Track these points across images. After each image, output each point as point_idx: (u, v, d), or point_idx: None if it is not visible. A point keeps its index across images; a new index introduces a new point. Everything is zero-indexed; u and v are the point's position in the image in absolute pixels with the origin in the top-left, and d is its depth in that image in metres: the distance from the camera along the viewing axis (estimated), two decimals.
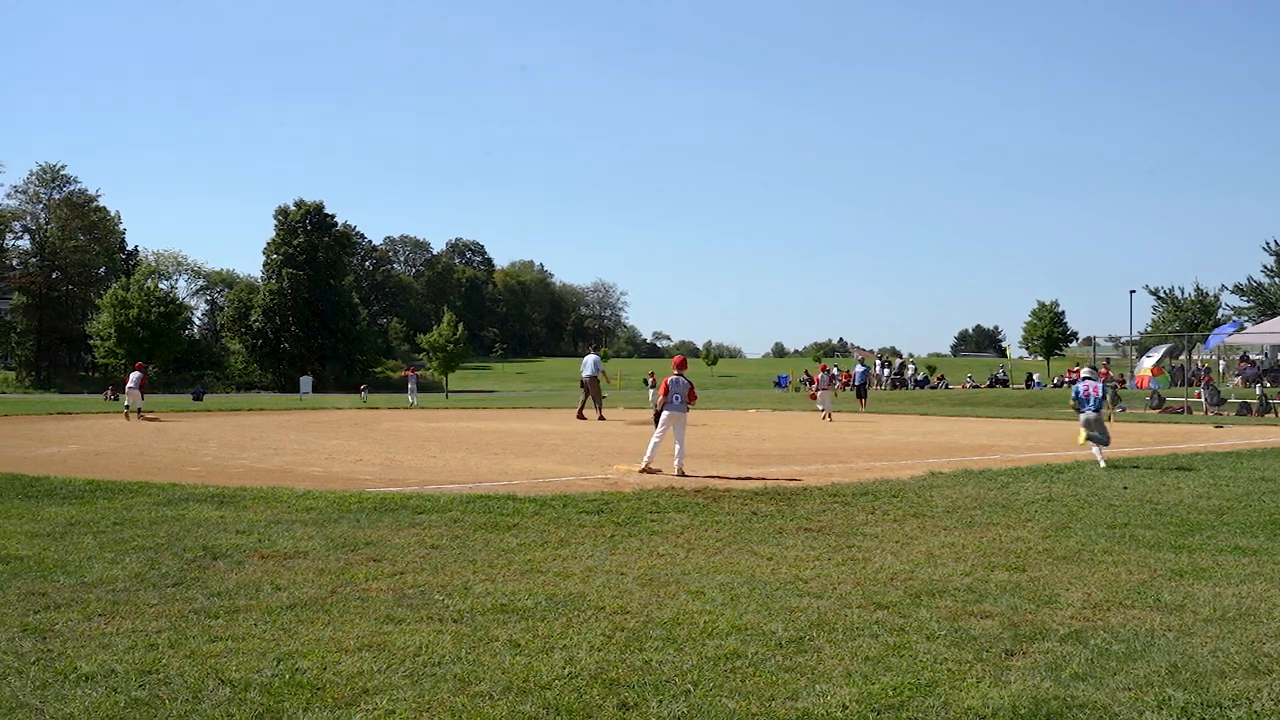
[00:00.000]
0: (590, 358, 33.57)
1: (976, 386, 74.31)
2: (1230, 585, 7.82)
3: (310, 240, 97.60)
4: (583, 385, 33.38)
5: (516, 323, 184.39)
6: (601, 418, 32.01)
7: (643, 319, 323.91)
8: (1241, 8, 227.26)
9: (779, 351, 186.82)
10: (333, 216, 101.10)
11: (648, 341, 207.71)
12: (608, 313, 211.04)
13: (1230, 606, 7.12)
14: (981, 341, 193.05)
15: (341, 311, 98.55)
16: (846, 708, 5.01)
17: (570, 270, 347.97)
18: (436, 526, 10.17)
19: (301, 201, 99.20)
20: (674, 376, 15.26)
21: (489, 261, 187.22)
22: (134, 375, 33.75)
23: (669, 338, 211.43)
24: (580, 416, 32.29)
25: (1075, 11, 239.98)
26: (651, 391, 45.95)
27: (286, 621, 6.55)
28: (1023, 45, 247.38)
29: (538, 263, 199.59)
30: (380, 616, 6.68)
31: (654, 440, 15.20)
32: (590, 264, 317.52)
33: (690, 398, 15.26)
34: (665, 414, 15.03)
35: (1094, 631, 6.42)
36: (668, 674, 5.52)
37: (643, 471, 14.93)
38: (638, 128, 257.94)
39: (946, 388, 72.17)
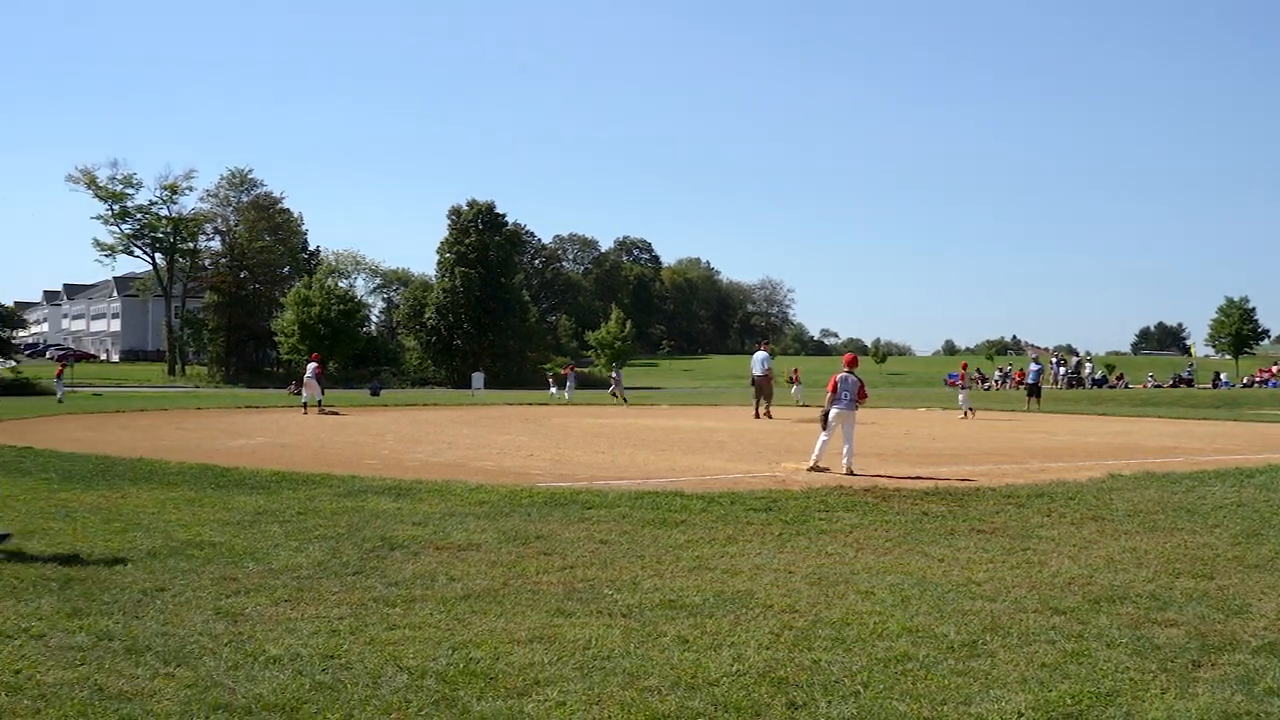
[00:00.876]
0: (759, 355, 31.98)
1: (1159, 386, 71.55)
2: None
3: (482, 239, 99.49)
4: (754, 384, 31.78)
5: (683, 320, 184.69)
6: (769, 416, 30.78)
7: (810, 316, 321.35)
8: None
9: (949, 349, 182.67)
10: (504, 216, 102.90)
11: (815, 339, 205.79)
12: (774, 310, 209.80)
13: None
14: (1164, 339, 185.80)
15: (512, 309, 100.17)
16: (1022, 715, 4.89)
17: (737, 267, 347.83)
18: (605, 522, 10.28)
19: (474, 201, 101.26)
20: (843, 374, 15.06)
21: (656, 259, 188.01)
22: (310, 367, 34.44)
23: (836, 335, 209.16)
24: (758, 416, 30.67)
25: None
26: (796, 388, 46.11)
27: (460, 611, 6.71)
28: (1210, 30, 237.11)
29: (704, 260, 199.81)
30: (551, 609, 6.79)
31: (822, 438, 15.05)
32: (757, 261, 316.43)
33: (860, 396, 15.05)
34: (834, 411, 14.85)
35: None
36: (837, 674, 5.47)
37: (810, 470, 14.80)
38: (804, 123, 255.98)
39: (1126, 387, 69.64)
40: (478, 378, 67.19)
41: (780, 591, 7.41)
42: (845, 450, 14.72)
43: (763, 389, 31.34)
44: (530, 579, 7.74)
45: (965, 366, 39.14)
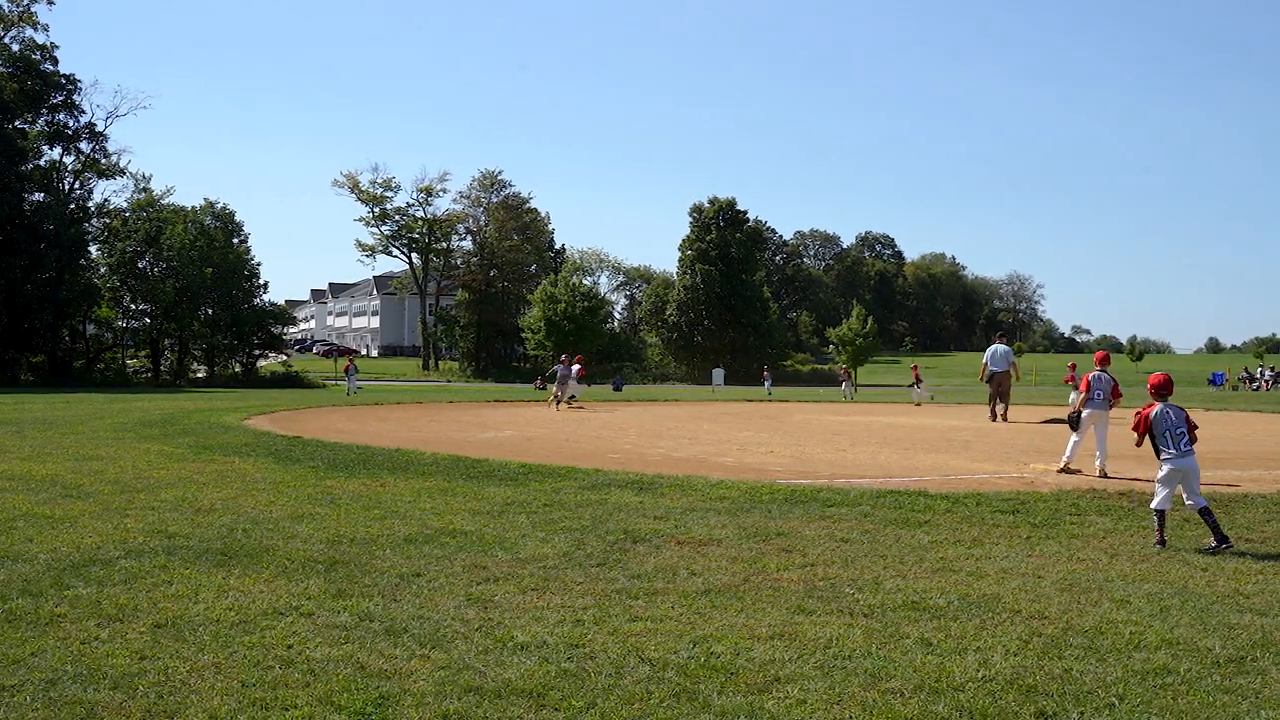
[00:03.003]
0: (999, 348, 28.13)
1: None
2: None
3: (723, 236, 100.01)
4: (990, 381, 28.17)
5: (926, 316, 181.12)
6: (1005, 419, 27.73)
7: (1060, 312, 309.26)
8: None
9: (1213, 347, 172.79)
10: (744, 212, 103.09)
11: (1065, 336, 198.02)
12: (1022, 305, 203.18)
13: None
14: None
15: (752, 306, 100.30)
16: None
17: (983, 262, 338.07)
18: (846, 520, 10.17)
19: (715, 199, 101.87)
20: (1096, 372, 14.45)
21: (899, 254, 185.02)
22: (575, 369, 34.98)
23: (1089, 332, 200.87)
24: (994, 418, 27.78)
25: None
26: (917, 389, 41.91)
27: (701, 606, 6.77)
28: None
29: (949, 255, 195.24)
30: (791, 606, 6.77)
31: (1074, 439, 14.46)
32: (1004, 256, 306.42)
33: (1115, 395, 14.41)
34: (1087, 412, 14.26)
35: None
36: (1089, 685, 5.26)
37: (1061, 471, 14.25)
38: (1052, 114, 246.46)
39: None
40: (718, 374, 67.55)
41: (1029, 597, 7.17)
42: (1099, 451, 14.11)
43: (1002, 387, 28.18)
44: (771, 576, 7.74)
45: (1074, 367, 35.18)
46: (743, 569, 7.96)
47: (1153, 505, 9.37)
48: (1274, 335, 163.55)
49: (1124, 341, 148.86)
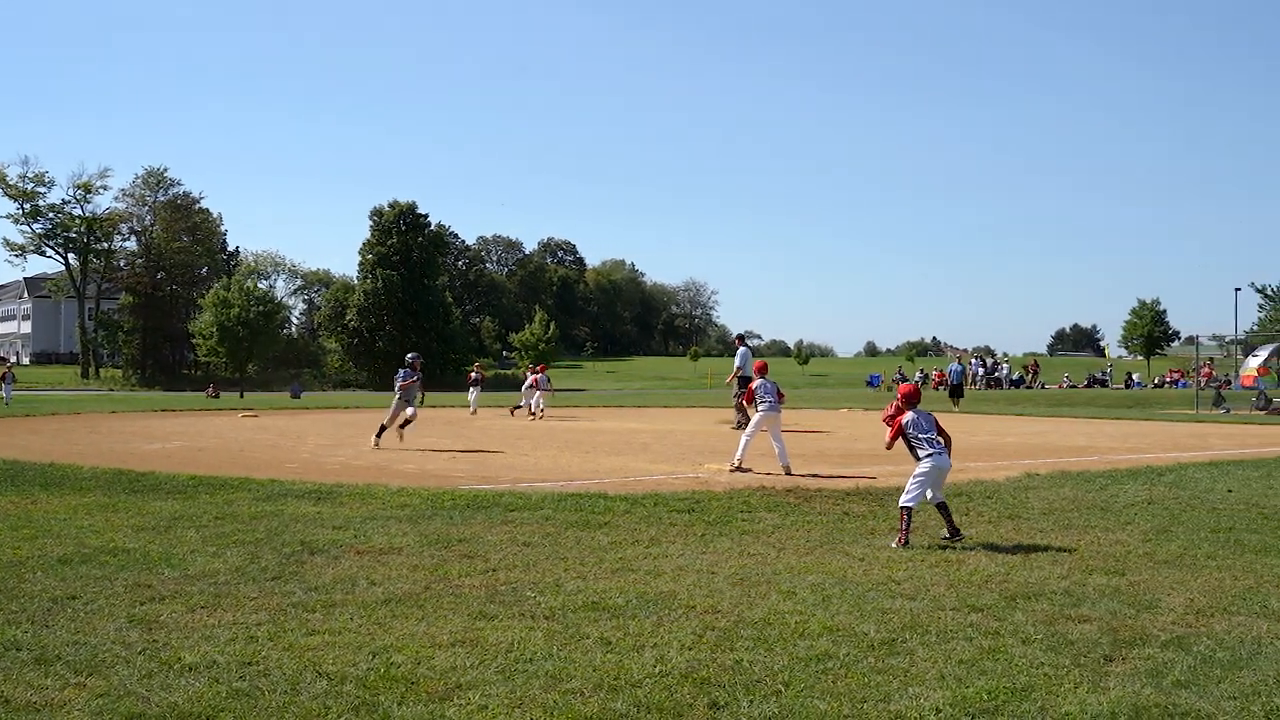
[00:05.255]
0: (743, 350, 27.35)
1: (1074, 386, 73.00)
2: None
3: (404, 240, 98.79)
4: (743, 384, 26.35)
5: (607, 321, 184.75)
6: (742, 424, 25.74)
7: (734, 318, 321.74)
8: None
9: (871, 350, 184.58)
10: (426, 216, 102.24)
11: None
12: (698, 312, 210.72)
13: None
14: (1079, 341, 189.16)
15: (435, 311, 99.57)
16: (940, 711, 4.95)
17: (662, 269, 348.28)
18: (528, 524, 10.26)
19: (396, 202, 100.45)
20: (760, 380, 15.22)
21: (580, 261, 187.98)
22: (539, 377, 33.86)
23: (760, 336, 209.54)
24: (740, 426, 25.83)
25: (1182, 7, 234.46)
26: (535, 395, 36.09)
27: (382, 616, 6.66)
28: (1123, 41, 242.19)
29: (629, 262, 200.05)
30: (473, 612, 6.76)
31: (745, 439, 15.18)
32: (682, 263, 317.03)
33: (779, 397, 15.23)
34: (759, 415, 14.99)
35: (1197, 638, 6.26)
36: (759, 674, 5.51)
37: (733, 471, 14.90)
38: (732, 125, 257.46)
39: (1043, 388, 70.89)
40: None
41: (703, 592, 7.44)
42: (779, 451, 14.87)
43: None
44: (452, 582, 7.70)
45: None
46: (424, 576, 7.88)
47: (902, 501, 9.78)
48: (923, 340, 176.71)
49: (791, 345, 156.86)
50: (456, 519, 10.54)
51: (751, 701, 5.09)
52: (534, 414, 32.82)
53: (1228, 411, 36.93)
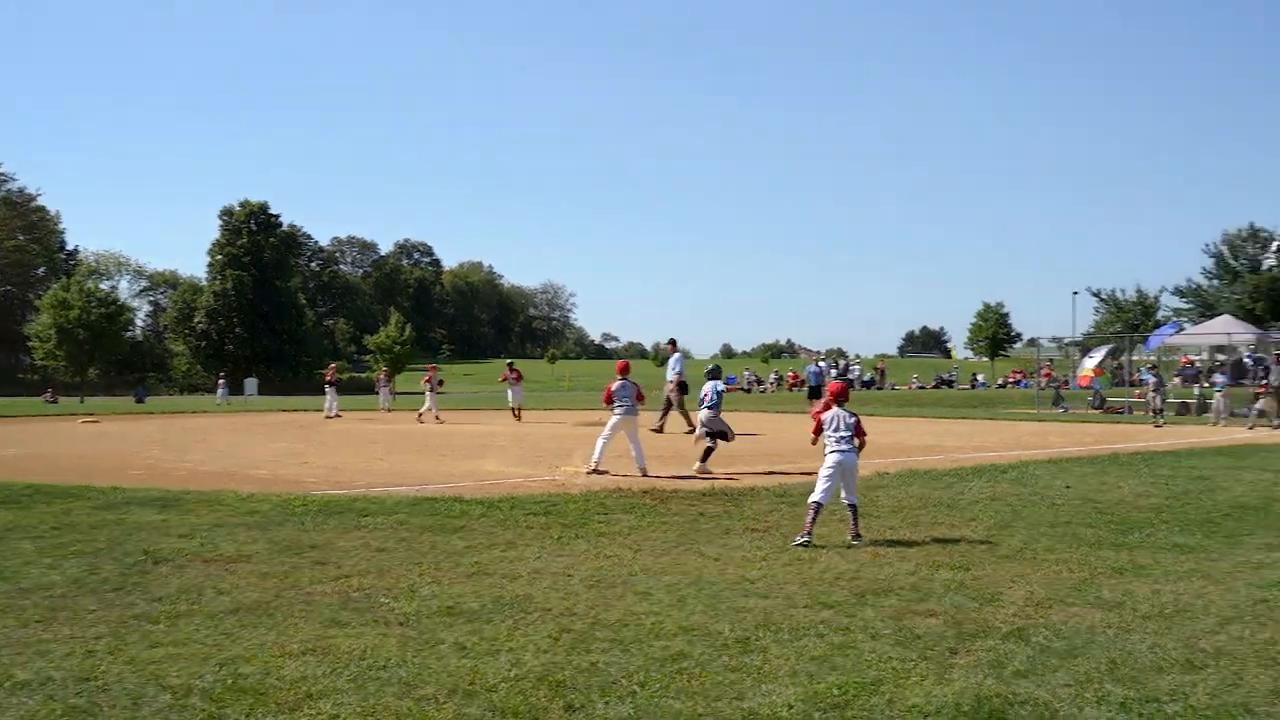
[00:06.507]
0: (676, 355, 26.30)
1: (923, 387, 75.01)
2: (1168, 582, 7.95)
3: (255, 241, 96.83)
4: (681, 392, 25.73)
5: (464, 324, 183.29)
6: (660, 430, 24.75)
7: (591, 320, 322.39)
8: (1190, 11, 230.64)
9: (727, 352, 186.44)
10: (278, 217, 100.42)
11: (596, 343, 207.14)
12: (556, 314, 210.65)
13: (1168, 603, 7.24)
14: (928, 342, 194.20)
15: (287, 312, 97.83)
16: (792, 707, 5.03)
17: (520, 271, 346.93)
18: (382, 529, 10.12)
19: (246, 202, 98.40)
20: (619, 382, 15.26)
21: (437, 262, 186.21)
22: (425, 379, 33.86)
23: (617, 339, 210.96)
24: (662, 431, 24.79)
25: (1028, 7, 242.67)
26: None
27: (229, 626, 6.49)
28: (969, 42, 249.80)
29: (486, 263, 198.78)
30: (325, 620, 6.64)
31: (601, 441, 15.20)
32: (540, 265, 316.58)
33: (638, 399, 15.29)
34: (615, 418, 15.04)
35: (1036, 629, 6.49)
36: (614, 675, 5.52)
37: (590, 473, 14.92)
38: (585, 126, 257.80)
39: (893, 389, 72.70)
40: (251, 384, 65.14)
41: (559, 595, 7.44)
42: (636, 454, 14.93)
43: (673, 398, 25.86)
44: (304, 590, 7.55)
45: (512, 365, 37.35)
46: (274, 585, 7.70)
47: (811, 498, 9.91)
48: (778, 341, 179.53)
49: (649, 348, 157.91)
50: (308, 525, 10.33)
51: (607, 703, 5.10)
52: (421, 415, 32.88)
53: (1066, 410, 38.34)
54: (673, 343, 26.69)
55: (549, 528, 10.33)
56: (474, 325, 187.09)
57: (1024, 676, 5.52)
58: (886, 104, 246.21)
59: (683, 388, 26.09)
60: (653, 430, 24.50)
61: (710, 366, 16.40)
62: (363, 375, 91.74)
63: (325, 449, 20.56)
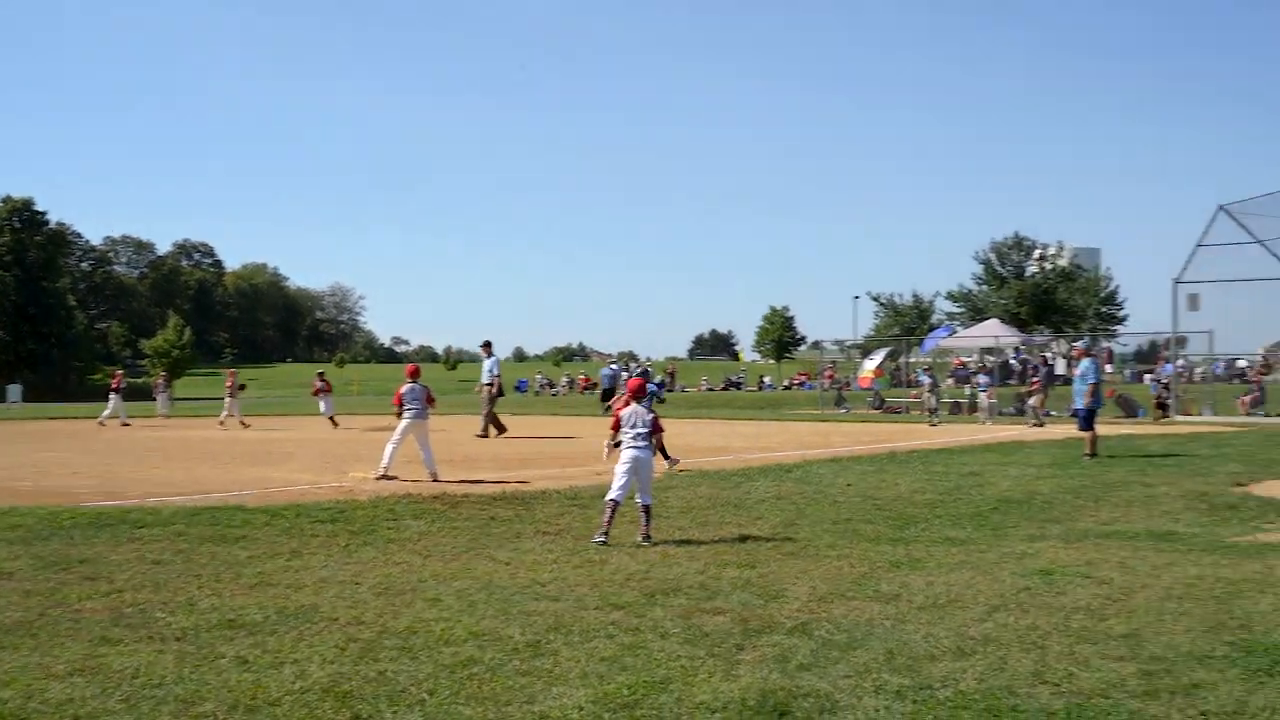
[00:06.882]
0: (488, 360, 25.89)
1: (712, 389, 76.49)
2: (941, 574, 8.33)
3: (18, 239, 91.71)
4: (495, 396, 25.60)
5: (248, 327, 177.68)
6: (485, 435, 24.89)
7: (381, 323, 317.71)
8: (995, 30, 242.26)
9: (519, 356, 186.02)
10: (44, 214, 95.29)
11: (386, 346, 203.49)
12: (344, 317, 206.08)
13: (941, 594, 7.58)
14: (716, 345, 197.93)
15: (55, 314, 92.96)
16: (582, 709, 5.05)
17: (307, 273, 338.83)
18: (159, 541, 9.71)
19: (9, 197, 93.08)
20: (409, 385, 15.06)
21: (219, 263, 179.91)
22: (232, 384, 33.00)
23: (408, 342, 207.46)
24: (488, 435, 24.96)
25: (810, 26, 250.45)
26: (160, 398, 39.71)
27: None
28: (759, 59, 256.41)
29: (271, 265, 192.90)
30: (95, 638, 6.32)
31: (390, 446, 14.94)
32: (328, 267, 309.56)
33: (428, 402, 15.11)
34: (405, 421, 14.82)
35: (818, 623, 6.70)
36: (403, 683, 5.44)
37: (379, 479, 14.65)
38: (377, 125, 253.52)
39: (683, 391, 73.86)
40: (15, 390, 61.56)
41: (346, 603, 7.28)
42: (426, 458, 14.73)
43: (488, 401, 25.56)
44: (71, 607, 7.17)
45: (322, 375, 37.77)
46: (39, 602, 7.29)
47: (608, 496, 9.94)
48: (570, 345, 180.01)
49: (440, 351, 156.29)
50: (77, 538, 9.82)
51: (396, 712, 5.02)
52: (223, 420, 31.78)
53: (848, 411, 39.73)
54: (487, 345, 26.39)
55: (336, 535, 10.11)
56: (258, 329, 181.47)
57: (807, 670, 5.69)
58: (675, 106, 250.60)
59: (500, 391, 26.02)
60: (477, 436, 24.72)
61: (639, 369, 16.44)
62: (139, 380, 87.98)
63: (97, 458, 19.59)
